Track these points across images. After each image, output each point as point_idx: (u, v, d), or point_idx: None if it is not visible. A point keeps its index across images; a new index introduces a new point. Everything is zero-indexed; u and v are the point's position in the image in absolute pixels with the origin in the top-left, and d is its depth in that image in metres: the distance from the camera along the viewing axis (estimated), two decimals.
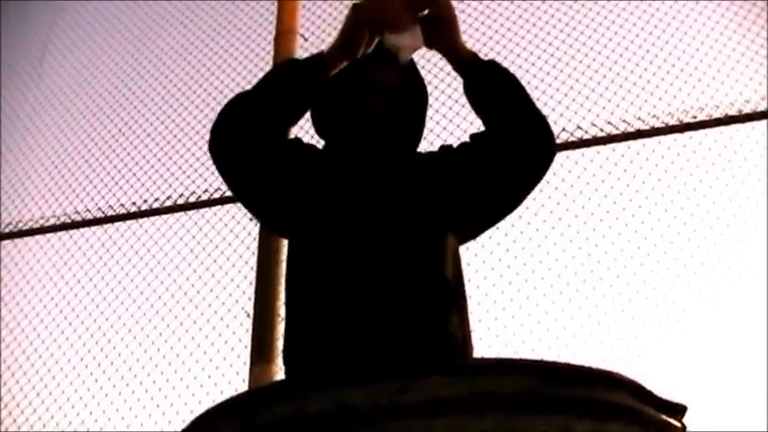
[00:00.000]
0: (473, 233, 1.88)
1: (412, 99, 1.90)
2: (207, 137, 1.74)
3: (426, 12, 1.76)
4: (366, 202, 1.71)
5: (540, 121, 1.77)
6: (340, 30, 1.77)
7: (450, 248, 1.75)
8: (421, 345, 1.56)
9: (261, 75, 3.92)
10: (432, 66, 3.09)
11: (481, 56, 1.84)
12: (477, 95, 1.82)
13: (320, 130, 1.94)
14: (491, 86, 1.80)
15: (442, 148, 1.91)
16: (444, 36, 1.79)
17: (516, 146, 1.74)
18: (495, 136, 1.76)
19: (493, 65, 1.84)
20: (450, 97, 3.56)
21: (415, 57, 1.89)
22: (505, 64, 3.66)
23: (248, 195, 1.77)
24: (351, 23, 1.74)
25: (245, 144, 1.68)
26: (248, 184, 1.74)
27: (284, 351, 1.69)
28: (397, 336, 1.56)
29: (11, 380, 3.99)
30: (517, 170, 1.75)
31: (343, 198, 1.72)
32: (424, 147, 1.97)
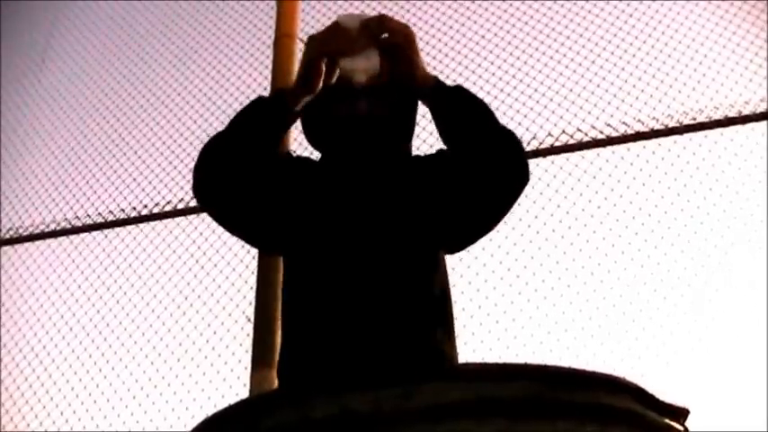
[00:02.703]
0: (457, 248, 1.88)
1: (399, 100, 1.89)
2: (207, 141, 1.76)
3: (384, 37, 1.74)
4: (358, 214, 1.71)
5: (511, 144, 1.73)
6: (299, 64, 1.76)
7: (441, 261, 1.77)
8: (407, 357, 1.57)
9: (260, 79, 3.91)
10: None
11: (448, 80, 1.80)
12: (441, 123, 1.77)
13: (311, 140, 1.94)
14: (455, 113, 1.75)
15: (438, 154, 1.90)
16: (402, 63, 1.75)
17: (489, 171, 1.70)
18: (467, 162, 1.72)
19: (456, 91, 1.79)
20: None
21: None
22: (505, 66, 3.68)
23: (239, 228, 1.81)
24: (307, 56, 1.73)
25: (227, 181, 1.70)
26: (237, 218, 1.77)
27: (280, 363, 1.70)
28: (385, 347, 1.57)
29: (12, 385, 3.98)
30: (492, 193, 1.73)
31: (335, 211, 1.72)
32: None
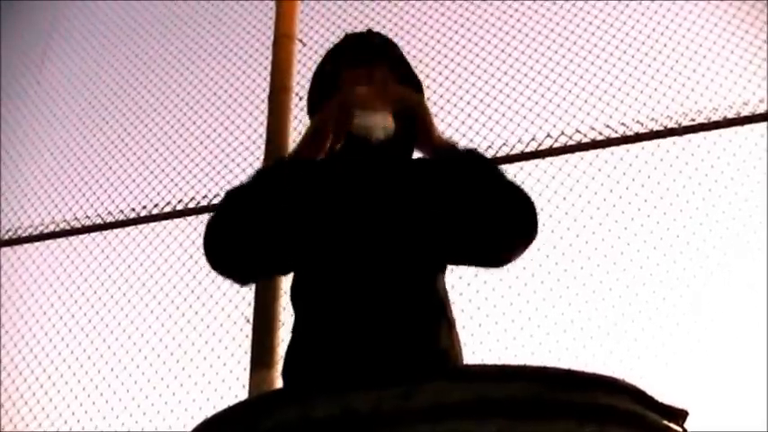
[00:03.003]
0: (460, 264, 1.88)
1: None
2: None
3: (400, 101, 1.73)
4: (361, 218, 1.71)
5: (525, 209, 1.68)
6: (306, 129, 1.74)
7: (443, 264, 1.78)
8: (424, 352, 1.58)
9: (259, 80, 3.89)
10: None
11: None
12: (453, 186, 1.71)
13: None
14: (469, 179, 1.69)
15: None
16: (419, 126, 1.74)
17: (500, 234, 1.67)
18: (476, 223, 1.67)
19: (472, 156, 1.73)
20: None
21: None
22: (504, 67, 3.67)
23: (260, 278, 1.81)
24: (317, 121, 1.73)
25: (242, 256, 1.69)
26: (257, 276, 1.81)
27: (284, 363, 1.71)
28: (400, 344, 1.57)
29: (11, 386, 3.98)
30: (497, 250, 1.71)
31: (339, 215, 1.72)
32: None
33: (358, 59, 1.83)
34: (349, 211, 1.73)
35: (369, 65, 1.82)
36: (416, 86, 1.92)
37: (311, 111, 1.94)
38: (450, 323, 1.71)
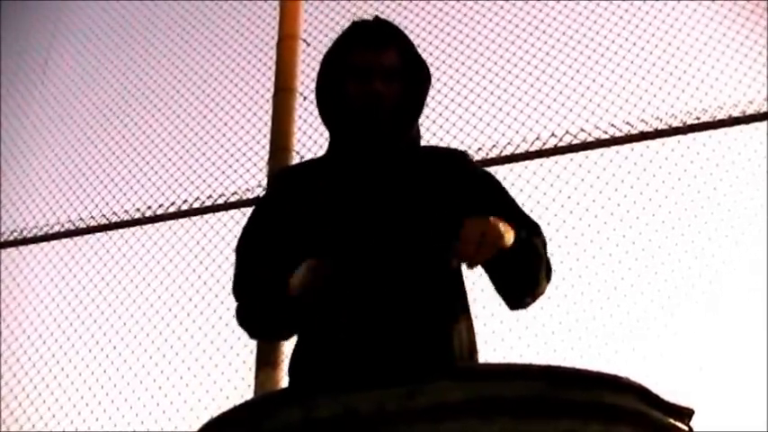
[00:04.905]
0: None
1: (414, 82, 1.87)
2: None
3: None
4: (367, 214, 1.71)
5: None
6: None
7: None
8: (427, 352, 1.58)
9: (263, 80, 3.85)
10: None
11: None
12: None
13: (323, 114, 1.90)
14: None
15: (457, 167, 1.87)
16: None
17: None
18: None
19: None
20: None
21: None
22: (509, 67, 3.65)
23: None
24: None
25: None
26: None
27: (291, 362, 1.71)
28: (404, 343, 1.57)
29: (16, 387, 3.99)
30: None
31: (344, 212, 1.72)
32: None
33: (367, 44, 1.82)
34: (353, 211, 1.73)
35: (377, 50, 1.82)
36: (424, 73, 1.90)
37: (320, 102, 1.91)
38: (458, 319, 1.71)
